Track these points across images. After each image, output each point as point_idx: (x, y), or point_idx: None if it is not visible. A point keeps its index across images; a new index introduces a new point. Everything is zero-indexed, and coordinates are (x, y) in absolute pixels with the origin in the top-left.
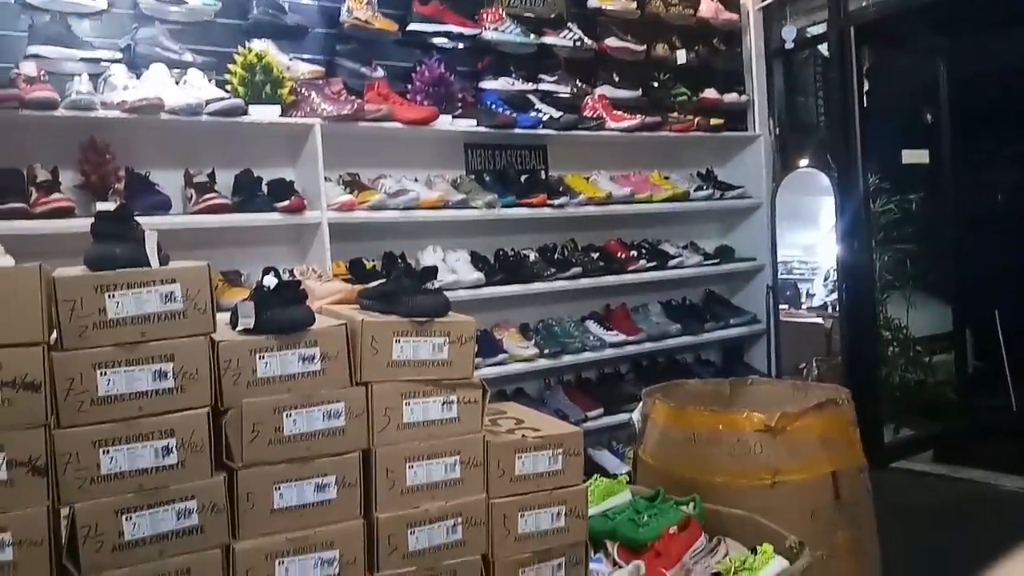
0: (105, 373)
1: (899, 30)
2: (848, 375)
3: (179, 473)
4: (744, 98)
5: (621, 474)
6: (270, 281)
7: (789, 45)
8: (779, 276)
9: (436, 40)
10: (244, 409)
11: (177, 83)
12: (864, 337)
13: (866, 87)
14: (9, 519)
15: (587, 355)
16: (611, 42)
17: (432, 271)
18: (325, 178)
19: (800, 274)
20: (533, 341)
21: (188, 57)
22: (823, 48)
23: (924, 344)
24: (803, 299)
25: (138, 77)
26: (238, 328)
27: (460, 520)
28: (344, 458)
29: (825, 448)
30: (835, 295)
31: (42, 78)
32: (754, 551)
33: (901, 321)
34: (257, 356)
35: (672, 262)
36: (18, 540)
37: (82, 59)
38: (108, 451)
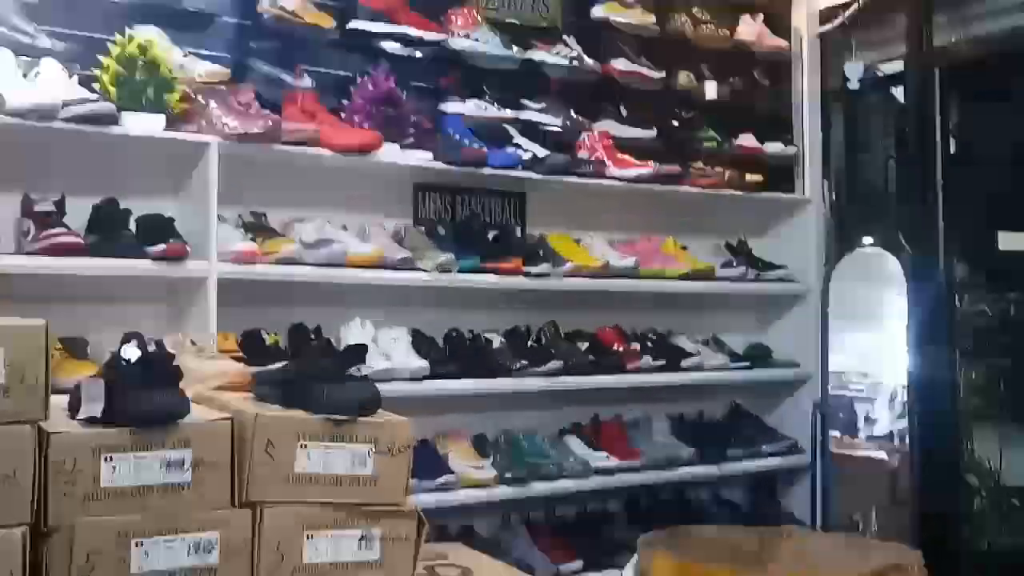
0: None
1: (1002, 74)
2: (919, 533)
3: None
4: (791, 150)
5: None
6: (130, 353)
7: (854, 85)
8: (830, 391)
9: (386, 44)
10: (77, 532)
11: (25, 76)
12: (942, 482)
13: (953, 147)
14: None
15: (565, 483)
16: (619, 64)
17: (359, 352)
18: (219, 217)
19: (858, 391)
20: (491, 460)
21: (45, 42)
22: (899, 92)
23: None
24: (861, 425)
25: None
26: (79, 416)
27: None
28: None
29: None
30: (904, 422)
31: None
32: None
33: (992, 463)
34: (103, 458)
35: (687, 362)
36: None
37: None
38: None
